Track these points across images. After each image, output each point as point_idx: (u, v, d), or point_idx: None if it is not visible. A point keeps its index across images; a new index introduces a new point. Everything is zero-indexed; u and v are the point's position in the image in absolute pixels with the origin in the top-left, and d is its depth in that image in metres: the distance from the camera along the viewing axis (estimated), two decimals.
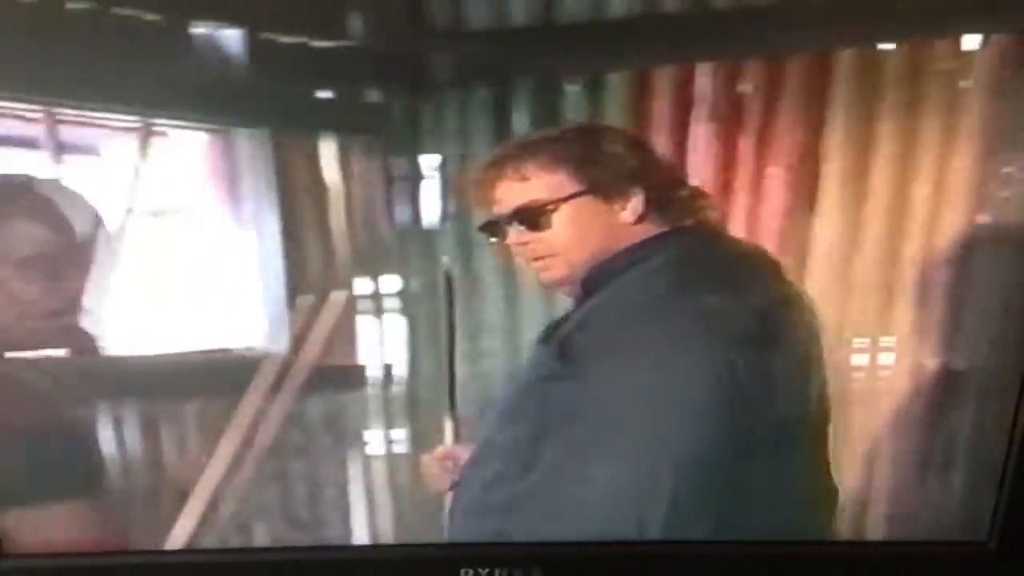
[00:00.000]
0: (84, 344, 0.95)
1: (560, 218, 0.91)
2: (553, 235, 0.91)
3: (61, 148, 1.01)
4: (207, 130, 1.05)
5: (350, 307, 1.08)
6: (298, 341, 1.03)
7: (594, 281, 0.91)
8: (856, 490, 1.05)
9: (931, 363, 1.03)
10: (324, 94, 1.02)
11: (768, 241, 1.06)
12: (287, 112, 1.02)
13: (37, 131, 1.02)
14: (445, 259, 1.06)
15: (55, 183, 0.97)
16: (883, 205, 1.03)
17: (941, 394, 1.02)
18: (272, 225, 1.06)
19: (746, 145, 1.05)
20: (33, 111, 1.01)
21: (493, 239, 0.97)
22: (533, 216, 0.91)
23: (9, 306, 0.88)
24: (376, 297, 1.09)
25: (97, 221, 0.96)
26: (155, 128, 1.03)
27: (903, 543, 1.03)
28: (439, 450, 1.02)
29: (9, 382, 0.92)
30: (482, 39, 1.00)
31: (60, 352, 0.95)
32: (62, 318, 0.91)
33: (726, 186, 1.06)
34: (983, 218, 1.00)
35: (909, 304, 1.03)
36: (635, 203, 0.91)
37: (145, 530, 1.04)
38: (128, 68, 0.97)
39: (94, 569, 0.90)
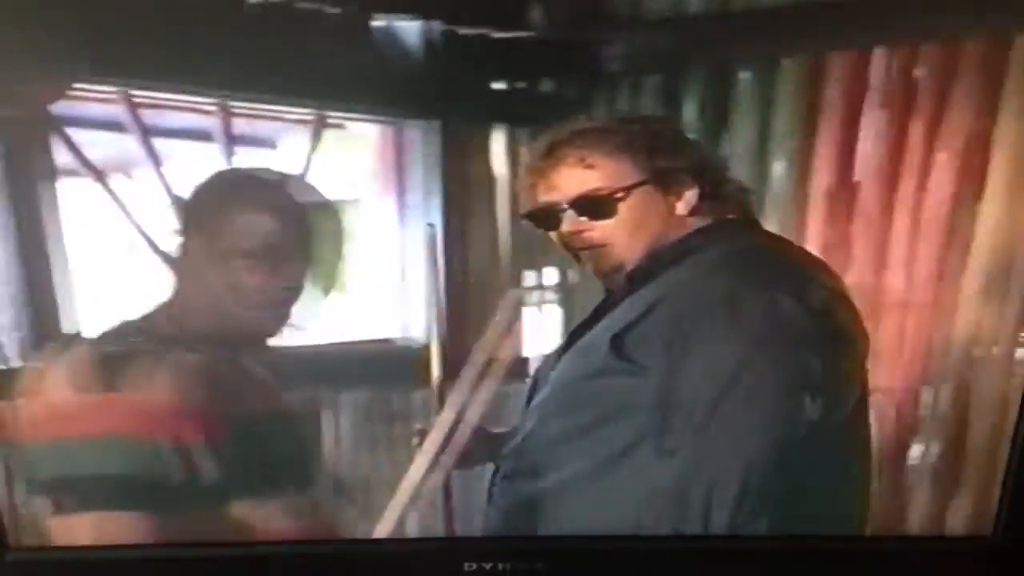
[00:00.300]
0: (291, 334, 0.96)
1: (622, 207, 0.90)
2: (612, 224, 0.90)
3: (237, 141, 1.01)
4: (380, 122, 1.04)
5: (520, 299, 1.08)
6: (476, 334, 1.04)
7: (645, 271, 0.90)
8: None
9: None
10: (499, 85, 1.01)
11: (934, 229, 1.05)
12: (460, 103, 1.01)
13: (212, 124, 1.02)
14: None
15: (287, 175, 0.97)
16: None
17: None
18: (437, 216, 1.06)
19: (916, 131, 1.04)
20: (209, 104, 1.00)
21: (543, 228, 0.94)
22: (596, 204, 0.90)
23: (236, 296, 0.88)
24: (541, 288, 1.10)
25: (320, 211, 0.96)
26: (330, 121, 1.03)
27: (909, 538, 1.04)
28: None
29: (239, 372, 0.93)
30: (658, 26, 0.99)
31: (282, 342, 0.96)
32: (281, 308, 0.92)
33: (894, 172, 1.05)
34: None
35: None
36: (690, 195, 0.90)
37: (350, 521, 1.07)
38: (306, 61, 0.96)
39: (98, 563, 0.91)
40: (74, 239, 1.07)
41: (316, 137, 1.05)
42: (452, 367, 1.03)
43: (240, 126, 1.02)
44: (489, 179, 1.08)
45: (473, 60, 0.99)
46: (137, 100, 1.03)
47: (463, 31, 0.97)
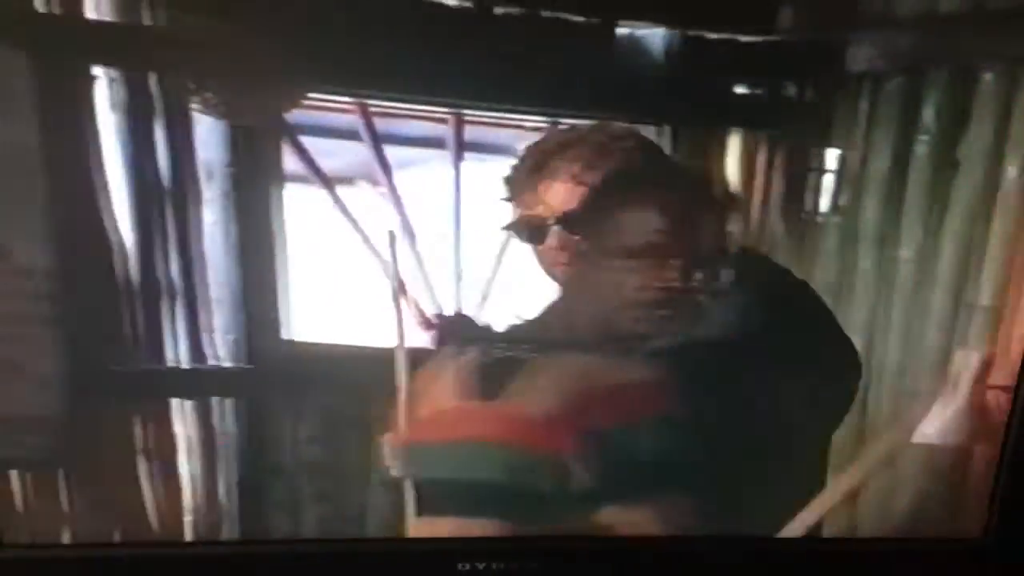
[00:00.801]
0: None
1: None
2: None
3: (468, 148, 1.02)
4: None
5: None
6: None
7: None
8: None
9: None
10: (739, 89, 1.00)
11: None
12: (696, 108, 1.00)
13: (443, 132, 1.02)
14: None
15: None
16: None
17: None
18: None
19: None
20: (443, 112, 1.01)
21: (525, 242, 0.92)
22: (586, 220, 0.88)
23: (617, 297, 0.87)
24: None
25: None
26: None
27: (900, 539, 1.02)
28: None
29: (620, 375, 0.92)
30: (906, 26, 0.96)
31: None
32: (659, 309, 0.90)
33: None
34: None
35: None
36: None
37: None
38: (542, 69, 0.96)
39: (90, 560, 0.94)
40: (298, 246, 1.09)
41: None
42: None
43: (471, 133, 1.03)
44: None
45: (713, 64, 0.98)
46: (372, 109, 1.04)
47: (708, 36, 0.96)
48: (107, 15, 0.96)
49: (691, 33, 0.96)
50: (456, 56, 0.96)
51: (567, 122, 1.01)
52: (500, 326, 0.96)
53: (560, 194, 0.88)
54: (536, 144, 0.93)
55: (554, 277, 0.94)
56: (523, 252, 0.97)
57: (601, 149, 0.89)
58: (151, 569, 0.97)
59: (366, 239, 1.08)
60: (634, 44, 0.96)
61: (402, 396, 0.95)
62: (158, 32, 0.97)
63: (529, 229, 0.91)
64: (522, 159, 0.92)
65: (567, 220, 0.88)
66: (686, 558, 0.90)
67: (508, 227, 0.94)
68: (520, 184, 0.91)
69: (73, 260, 1.00)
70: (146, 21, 0.97)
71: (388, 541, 0.95)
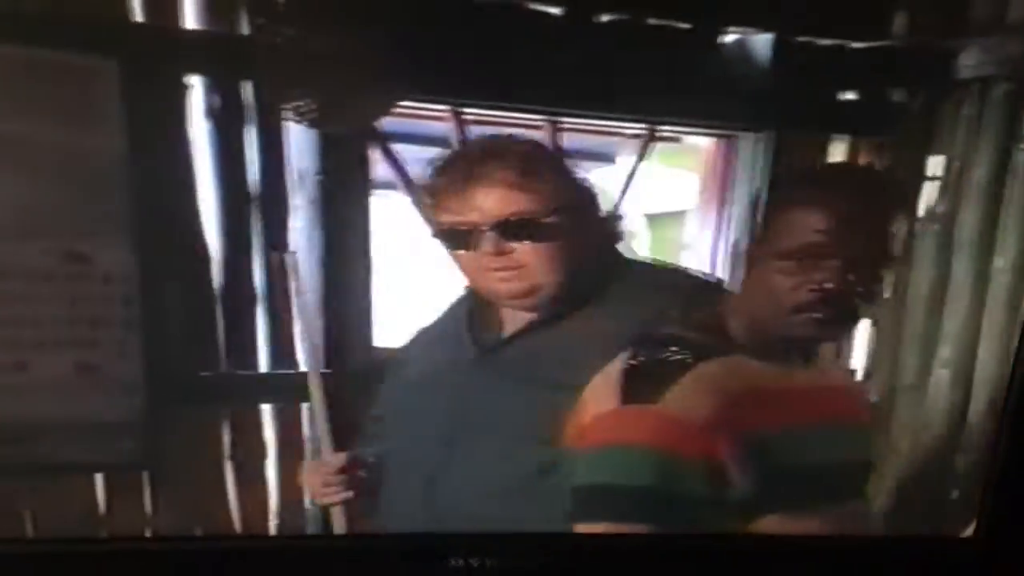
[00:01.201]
0: None
1: (545, 230, 0.88)
2: (533, 247, 0.88)
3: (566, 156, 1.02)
4: (716, 135, 1.03)
5: None
6: None
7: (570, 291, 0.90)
8: None
9: None
10: (844, 95, 0.99)
11: None
12: (799, 114, 0.99)
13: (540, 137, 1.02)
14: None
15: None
16: None
17: None
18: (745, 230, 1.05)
19: None
20: (537, 119, 1.01)
21: (455, 248, 0.91)
22: (520, 227, 0.87)
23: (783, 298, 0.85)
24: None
25: None
26: (660, 134, 1.02)
27: (894, 538, 1.01)
28: (333, 462, 0.97)
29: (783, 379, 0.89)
30: (1016, 33, 0.94)
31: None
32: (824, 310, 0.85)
33: None
34: None
35: None
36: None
37: None
38: (642, 76, 0.95)
39: (75, 555, 0.92)
40: (385, 251, 1.09)
41: (645, 150, 1.04)
42: None
43: (566, 139, 1.02)
44: None
45: (818, 70, 0.97)
46: (465, 117, 1.04)
47: (819, 42, 0.95)
48: (202, 24, 0.96)
49: (798, 39, 0.94)
50: (555, 63, 0.95)
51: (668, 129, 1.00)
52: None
53: (495, 200, 0.87)
54: (460, 152, 0.94)
55: (480, 283, 0.93)
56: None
57: (528, 157, 0.88)
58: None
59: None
60: (738, 50, 0.95)
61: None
62: (252, 41, 0.96)
63: (460, 235, 0.90)
64: (444, 166, 0.91)
65: (504, 226, 0.87)
66: (681, 555, 0.90)
67: (436, 234, 0.92)
68: (445, 191, 0.90)
69: (161, 267, 1.00)
70: (241, 30, 0.97)
71: (382, 537, 0.95)
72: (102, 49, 0.95)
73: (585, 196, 0.93)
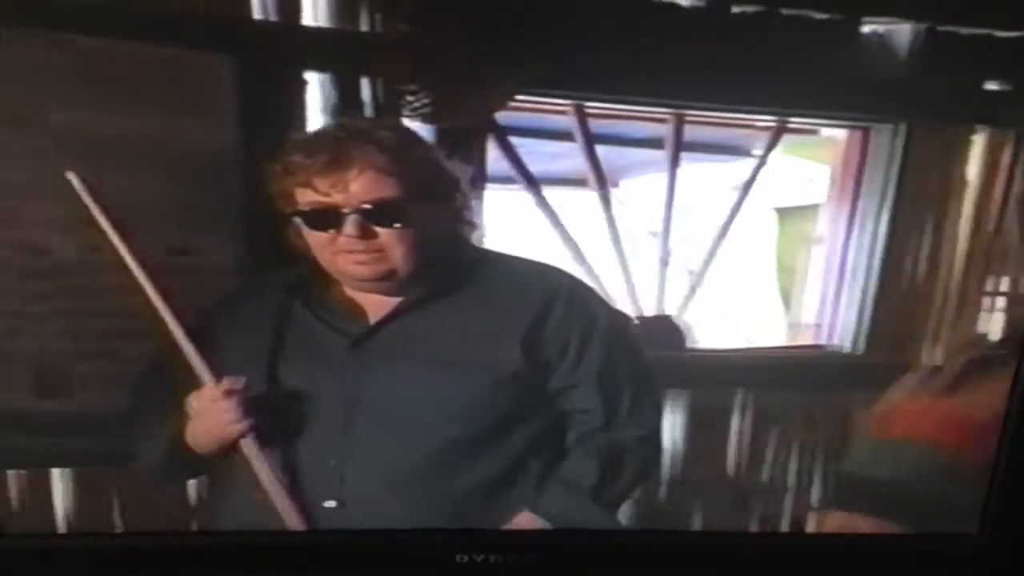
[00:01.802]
0: None
1: (409, 214, 0.87)
2: (397, 231, 0.88)
3: (687, 148, 1.00)
4: (848, 127, 1.00)
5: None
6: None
7: (426, 277, 0.90)
8: None
9: None
10: (991, 86, 0.95)
11: None
12: (941, 105, 0.96)
13: (663, 131, 1.00)
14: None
15: None
16: None
17: None
18: (883, 224, 1.03)
19: None
20: (662, 113, 0.98)
21: (315, 229, 0.89)
22: (385, 210, 0.87)
23: None
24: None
25: None
26: (794, 126, 1.00)
27: (893, 535, 0.99)
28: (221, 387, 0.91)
29: None
30: None
31: None
32: None
33: None
34: None
35: None
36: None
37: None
38: (777, 67, 0.93)
39: (85, 550, 0.93)
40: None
41: (775, 143, 1.02)
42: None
43: (691, 133, 1.00)
44: (960, 183, 1.03)
45: (956, 61, 0.94)
46: (587, 111, 1.02)
47: (962, 31, 0.92)
48: (321, 20, 0.95)
49: (939, 29, 0.91)
50: (687, 55, 0.93)
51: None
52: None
53: (364, 184, 0.86)
54: (324, 131, 0.91)
55: (331, 264, 0.91)
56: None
57: (398, 142, 0.88)
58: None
59: (569, 240, 1.07)
60: (876, 40, 0.92)
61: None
62: (370, 37, 0.95)
63: (322, 216, 0.88)
64: (311, 145, 0.88)
65: (370, 210, 0.86)
66: (683, 553, 0.90)
67: (296, 213, 0.90)
68: (308, 169, 0.87)
69: (267, 261, 1.00)
70: (361, 27, 0.96)
71: (387, 533, 0.94)
72: (217, 46, 0.94)
73: (449, 183, 0.93)
